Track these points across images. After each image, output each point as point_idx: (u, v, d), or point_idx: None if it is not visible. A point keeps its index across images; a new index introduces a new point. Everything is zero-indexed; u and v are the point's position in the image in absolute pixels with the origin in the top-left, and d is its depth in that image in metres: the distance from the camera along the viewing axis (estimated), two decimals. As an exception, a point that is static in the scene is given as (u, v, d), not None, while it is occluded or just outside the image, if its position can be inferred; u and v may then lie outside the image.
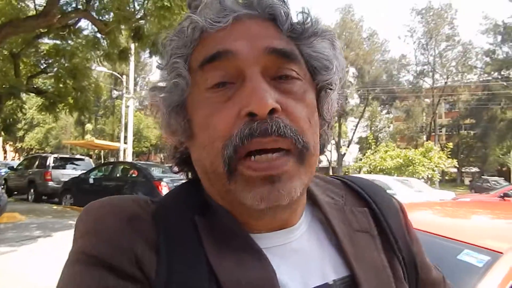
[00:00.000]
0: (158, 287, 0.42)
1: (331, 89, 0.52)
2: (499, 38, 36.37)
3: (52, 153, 14.46)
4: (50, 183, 12.11)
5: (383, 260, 0.53)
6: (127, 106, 19.64)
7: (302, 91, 0.48)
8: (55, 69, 10.31)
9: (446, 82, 40.23)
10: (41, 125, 39.13)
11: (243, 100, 0.43)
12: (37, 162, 13.10)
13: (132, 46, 10.20)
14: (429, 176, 18.17)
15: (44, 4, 7.41)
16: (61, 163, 12.96)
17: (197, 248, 0.45)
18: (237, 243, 0.46)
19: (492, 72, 37.24)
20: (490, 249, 1.41)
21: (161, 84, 0.51)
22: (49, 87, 10.95)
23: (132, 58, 11.46)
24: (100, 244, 0.43)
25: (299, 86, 0.47)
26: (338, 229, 0.53)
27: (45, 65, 10.82)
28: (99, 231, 0.44)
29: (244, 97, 0.43)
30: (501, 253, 1.37)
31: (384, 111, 45.30)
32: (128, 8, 7.82)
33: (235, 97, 0.44)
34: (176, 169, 0.57)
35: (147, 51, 8.70)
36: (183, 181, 0.57)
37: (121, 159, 18.22)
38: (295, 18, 0.50)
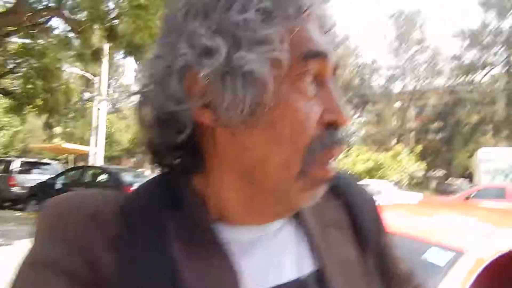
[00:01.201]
0: (114, 286, 0.40)
1: None
2: (466, 44, 38.03)
3: (17, 157, 13.81)
4: (14, 189, 11.46)
5: (353, 254, 0.53)
6: (98, 109, 19.10)
7: None
8: (24, 69, 9.92)
9: (415, 86, 41.57)
10: (6, 128, 37.47)
11: (327, 105, 0.44)
12: (1, 167, 12.34)
13: (106, 46, 9.97)
14: (398, 179, 18.67)
15: (14, 1, 7.15)
16: (27, 167, 12.30)
17: (162, 244, 0.43)
18: (205, 240, 0.45)
19: (459, 77, 38.84)
20: (452, 248, 1.44)
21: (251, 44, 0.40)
22: (17, 87, 10.50)
23: (105, 59, 11.20)
24: (56, 245, 0.41)
25: None
26: (310, 223, 0.52)
27: (13, 65, 10.40)
28: (57, 229, 0.42)
29: (329, 103, 0.44)
30: (463, 252, 1.40)
31: (356, 115, 46.16)
32: (102, 7, 7.64)
33: (316, 98, 0.44)
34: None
35: (121, 52, 8.51)
36: (155, 175, 0.52)
37: (91, 163, 17.66)
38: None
